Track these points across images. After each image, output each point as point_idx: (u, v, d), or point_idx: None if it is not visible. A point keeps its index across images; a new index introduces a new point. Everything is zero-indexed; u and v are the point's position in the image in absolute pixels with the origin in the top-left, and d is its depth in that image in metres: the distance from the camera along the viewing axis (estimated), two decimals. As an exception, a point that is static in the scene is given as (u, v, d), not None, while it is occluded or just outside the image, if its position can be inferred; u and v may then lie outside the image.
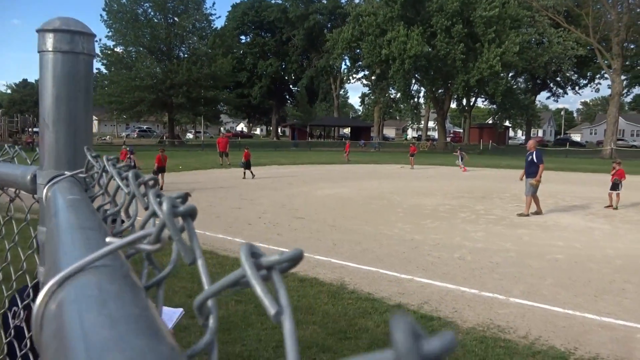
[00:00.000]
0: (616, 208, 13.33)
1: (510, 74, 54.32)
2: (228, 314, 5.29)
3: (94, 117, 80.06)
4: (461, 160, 26.23)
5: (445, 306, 5.76)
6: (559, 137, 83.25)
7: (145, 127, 72.51)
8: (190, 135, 72.58)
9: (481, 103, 63.86)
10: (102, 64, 46.28)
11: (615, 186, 13.56)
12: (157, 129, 74.45)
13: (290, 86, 75.28)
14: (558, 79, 63.43)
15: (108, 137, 55.88)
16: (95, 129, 79.51)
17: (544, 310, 5.69)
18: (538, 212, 12.32)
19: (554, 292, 6.37)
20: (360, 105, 59.15)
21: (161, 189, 13.05)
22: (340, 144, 47.76)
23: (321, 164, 28.81)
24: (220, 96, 50.26)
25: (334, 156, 31.54)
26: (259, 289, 0.30)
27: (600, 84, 77.68)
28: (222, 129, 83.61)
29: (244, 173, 19.94)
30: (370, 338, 4.74)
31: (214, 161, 27.16)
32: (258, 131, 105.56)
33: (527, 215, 12.09)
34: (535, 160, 12.27)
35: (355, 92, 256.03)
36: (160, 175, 16.05)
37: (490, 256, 8.13)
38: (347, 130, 77.70)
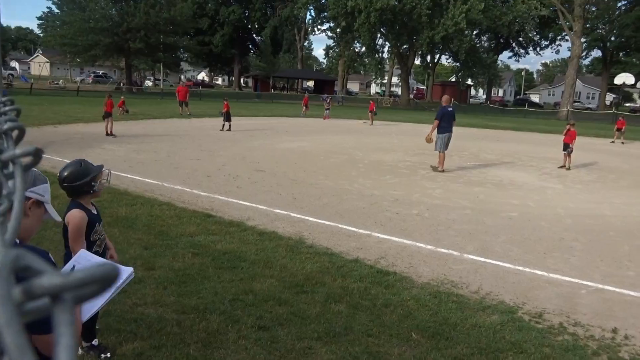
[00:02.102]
0: (569, 168, 13.77)
1: (475, 32, 54.37)
2: (184, 267, 5.21)
3: (46, 59, 75.97)
4: (327, 111, 27.49)
5: (402, 261, 5.85)
6: (518, 97, 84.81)
7: (101, 72, 69.36)
8: (149, 83, 70.02)
9: (445, 61, 64.02)
10: (54, 3, 43.51)
11: (566, 146, 13.95)
12: (113, 75, 71.43)
13: (254, 35, 73.07)
14: (520, 39, 63.97)
15: (61, 81, 53.25)
16: (47, 71, 75.57)
17: (496, 267, 5.87)
18: (436, 168, 12.34)
19: (506, 249, 6.57)
20: (324, 58, 57.91)
21: (110, 133, 12.67)
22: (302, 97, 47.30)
23: (284, 117, 28.43)
24: (180, 43, 48.36)
25: (297, 109, 31.15)
26: None
27: (560, 45, 79.01)
28: (182, 77, 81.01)
29: (224, 125, 19.35)
30: (327, 292, 4.77)
31: (174, 110, 26.38)
32: (220, 81, 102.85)
33: (442, 170, 12.21)
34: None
35: (319, 44, 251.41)
36: (107, 119, 15.79)
37: (447, 213, 8.28)
38: (310, 84, 76.73)
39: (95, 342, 3.55)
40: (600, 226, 8.03)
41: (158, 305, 4.34)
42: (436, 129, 12.35)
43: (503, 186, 11.07)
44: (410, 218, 7.87)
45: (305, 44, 76.10)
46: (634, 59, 62.93)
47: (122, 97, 22.18)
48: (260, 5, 65.62)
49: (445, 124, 12.34)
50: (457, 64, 51.39)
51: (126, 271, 2.33)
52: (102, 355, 3.51)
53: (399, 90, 64.92)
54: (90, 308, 2.13)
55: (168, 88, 55.94)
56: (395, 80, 73.38)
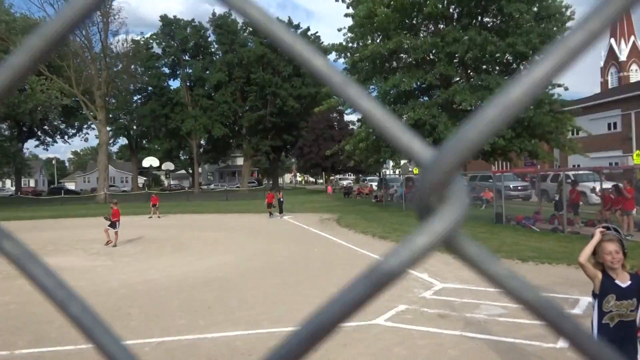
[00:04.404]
0: (115, 245, 14.17)
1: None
2: None
3: None
4: None
5: None
6: (53, 186, 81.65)
7: None
8: None
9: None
10: None
11: (113, 224, 14.41)
12: None
13: None
14: (46, 127, 62.47)
15: None
16: None
17: (55, 352, 5.40)
18: None
19: (64, 332, 6.12)
20: None
21: None
22: None
23: None
24: None
25: None
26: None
27: (88, 133, 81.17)
28: None
29: None
30: None
31: None
32: None
33: None
34: None
35: None
36: None
37: (-13, 313, 7.09)
38: None
39: None
40: (152, 289, 8.59)
41: None
42: None
43: (50, 273, 10.34)
44: None
45: None
46: (156, 145, 71.45)
47: None
48: None
49: None
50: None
51: None
52: None
53: None
54: None
55: None
56: None
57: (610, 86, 46.68)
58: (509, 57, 22.20)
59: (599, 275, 3.26)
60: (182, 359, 5.12)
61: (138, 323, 6.50)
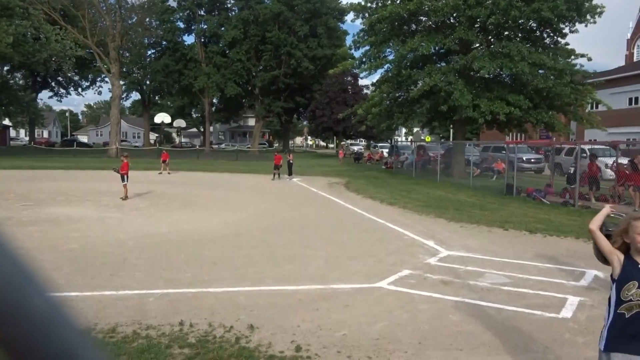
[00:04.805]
0: (125, 198, 14.27)
1: (6, 68, 49.68)
2: None
3: None
4: None
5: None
6: (65, 138, 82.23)
7: None
8: None
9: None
10: None
11: (122, 177, 14.46)
12: None
13: None
14: (60, 78, 62.38)
15: None
16: None
17: (63, 299, 5.47)
18: None
19: (71, 279, 6.23)
20: None
21: None
22: None
23: None
24: None
25: None
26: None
27: (102, 87, 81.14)
28: None
29: None
30: None
31: None
32: None
33: None
34: None
35: None
36: None
37: (-4, 258, 7.19)
38: None
39: None
40: (159, 242, 8.67)
41: None
42: None
43: (60, 222, 10.47)
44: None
45: None
46: (168, 102, 71.26)
47: None
48: None
49: None
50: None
51: None
52: None
53: None
54: None
55: None
56: None
57: (635, 59, 45.19)
58: (532, 24, 21.50)
59: (620, 256, 2.79)
60: (185, 310, 5.17)
61: (143, 274, 6.57)
